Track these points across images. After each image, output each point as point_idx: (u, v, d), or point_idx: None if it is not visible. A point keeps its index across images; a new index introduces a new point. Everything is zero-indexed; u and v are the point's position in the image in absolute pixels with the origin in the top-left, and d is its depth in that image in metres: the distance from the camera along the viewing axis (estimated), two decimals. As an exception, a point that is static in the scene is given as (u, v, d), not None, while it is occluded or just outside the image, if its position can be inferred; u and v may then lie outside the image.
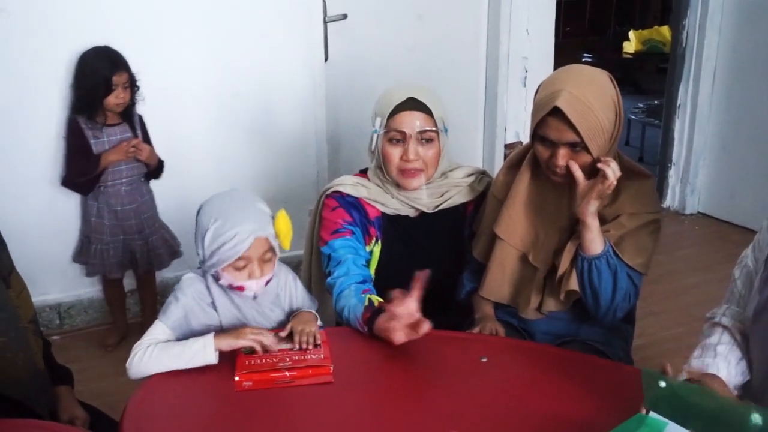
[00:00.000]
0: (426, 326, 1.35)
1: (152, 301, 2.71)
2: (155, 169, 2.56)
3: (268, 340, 1.36)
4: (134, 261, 2.56)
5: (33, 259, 2.48)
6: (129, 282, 2.71)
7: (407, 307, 1.35)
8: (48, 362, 1.55)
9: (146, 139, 2.55)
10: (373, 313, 1.45)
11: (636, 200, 1.53)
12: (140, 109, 2.53)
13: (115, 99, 2.41)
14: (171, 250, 2.64)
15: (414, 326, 1.35)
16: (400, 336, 1.36)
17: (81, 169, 2.44)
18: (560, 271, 1.52)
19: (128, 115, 2.49)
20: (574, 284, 1.50)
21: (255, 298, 1.47)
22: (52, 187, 2.55)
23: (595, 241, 1.46)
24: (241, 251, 1.38)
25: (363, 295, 1.53)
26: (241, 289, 1.43)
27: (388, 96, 1.66)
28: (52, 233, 2.60)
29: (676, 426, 1.03)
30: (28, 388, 1.43)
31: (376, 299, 1.51)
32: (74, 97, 2.46)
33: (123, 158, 2.44)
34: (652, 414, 1.05)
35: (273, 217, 1.46)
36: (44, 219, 2.59)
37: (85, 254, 2.56)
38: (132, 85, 2.46)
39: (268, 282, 1.46)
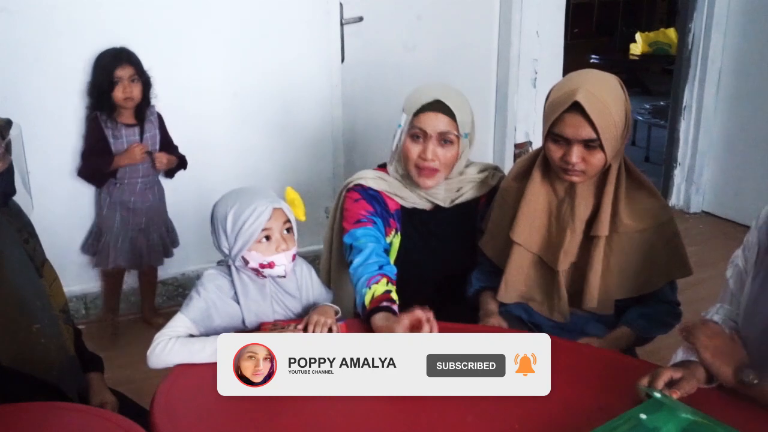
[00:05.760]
0: (426, 328, 1.35)
1: (152, 296, 2.79)
2: (174, 167, 2.63)
3: None
4: (140, 256, 2.60)
5: (62, 250, 2.57)
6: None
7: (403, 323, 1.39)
8: (79, 349, 1.61)
9: (165, 140, 2.58)
10: (372, 310, 1.50)
11: (645, 214, 1.57)
12: (161, 107, 2.58)
13: (122, 93, 2.43)
14: (166, 248, 2.68)
15: (415, 326, 1.37)
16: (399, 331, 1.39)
17: (96, 166, 2.50)
18: (586, 291, 1.58)
19: (140, 116, 2.51)
20: (592, 303, 1.58)
21: (285, 276, 1.49)
22: (73, 179, 2.61)
23: (620, 341, 1.59)
24: (263, 222, 1.43)
25: (367, 287, 1.56)
26: (271, 265, 1.46)
27: (417, 94, 1.71)
28: (76, 225, 2.67)
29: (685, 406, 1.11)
30: (61, 373, 1.48)
31: (384, 288, 1.55)
32: (87, 93, 2.52)
33: (135, 163, 2.49)
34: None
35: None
36: (67, 211, 2.65)
37: (93, 246, 2.61)
38: (142, 80, 2.47)
39: (293, 258, 1.49)
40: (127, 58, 2.46)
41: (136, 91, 2.46)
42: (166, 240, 2.68)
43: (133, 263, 2.64)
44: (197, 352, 1.38)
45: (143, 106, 2.51)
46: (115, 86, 2.43)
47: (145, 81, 2.50)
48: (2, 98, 2.43)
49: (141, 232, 2.58)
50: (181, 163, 2.65)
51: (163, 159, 2.54)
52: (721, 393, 1.25)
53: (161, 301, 2.93)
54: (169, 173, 2.66)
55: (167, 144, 2.61)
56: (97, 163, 2.50)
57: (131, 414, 1.36)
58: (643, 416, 1.08)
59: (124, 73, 2.44)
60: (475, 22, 3.31)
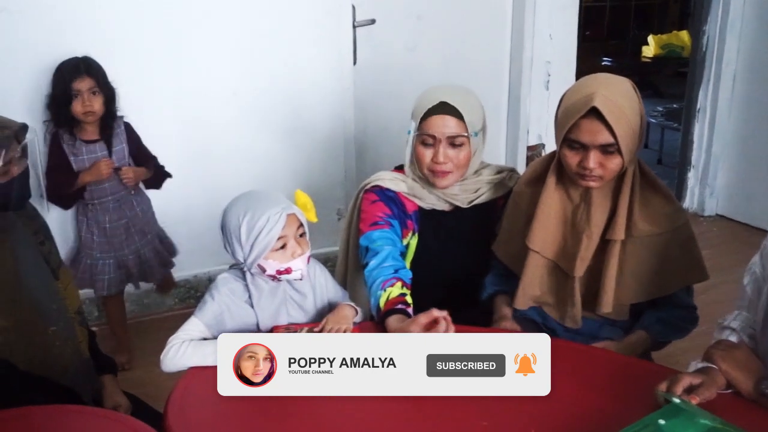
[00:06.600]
0: (442, 326, 1.36)
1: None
2: (153, 178, 2.48)
3: None
4: (130, 276, 2.49)
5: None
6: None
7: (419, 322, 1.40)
8: (92, 351, 1.62)
9: (139, 152, 2.44)
10: (387, 312, 1.51)
11: (660, 218, 1.55)
12: (172, 111, 2.57)
13: (82, 107, 2.26)
14: (163, 261, 2.57)
15: (430, 326, 1.38)
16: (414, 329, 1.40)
17: (59, 186, 2.32)
18: (602, 296, 1.56)
19: (105, 131, 2.35)
20: (607, 308, 1.57)
21: (301, 279, 1.50)
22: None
23: (636, 346, 1.56)
24: (278, 231, 1.43)
25: (382, 290, 1.57)
26: (288, 271, 1.47)
27: (423, 98, 1.71)
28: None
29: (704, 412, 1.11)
30: (76, 376, 1.50)
31: (398, 290, 1.56)
32: (46, 107, 2.37)
33: (101, 179, 2.32)
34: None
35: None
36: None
37: (75, 265, 2.43)
38: (104, 92, 2.31)
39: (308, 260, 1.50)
40: (86, 70, 2.28)
41: (97, 104, 2.28)
42: (163, 253, 2.57)
43: (121, 286, 2.51)
44: (210, 355, 1.38)
45: (107, 120, 2.34)
46: (74, 100, 2.27)
47: (107, 93, 2.32)
48: (2, 98, 2.39)
49: (130, 252, 2.45)
50: (161, 173, 2.50)
51: (129, 173, 2.36)
52: (740, 399, 1.24)
53: (173, 303, 2.95)
54: (156, 184, 2.51)
55: (143, 156, 2.46)
56: (59, 184, 2.31)
57: (145, 417, 1.37)
58: (661, 422, 1.08)
59: (83, 85, 2.26)
60: (487, 26, 3.32)
